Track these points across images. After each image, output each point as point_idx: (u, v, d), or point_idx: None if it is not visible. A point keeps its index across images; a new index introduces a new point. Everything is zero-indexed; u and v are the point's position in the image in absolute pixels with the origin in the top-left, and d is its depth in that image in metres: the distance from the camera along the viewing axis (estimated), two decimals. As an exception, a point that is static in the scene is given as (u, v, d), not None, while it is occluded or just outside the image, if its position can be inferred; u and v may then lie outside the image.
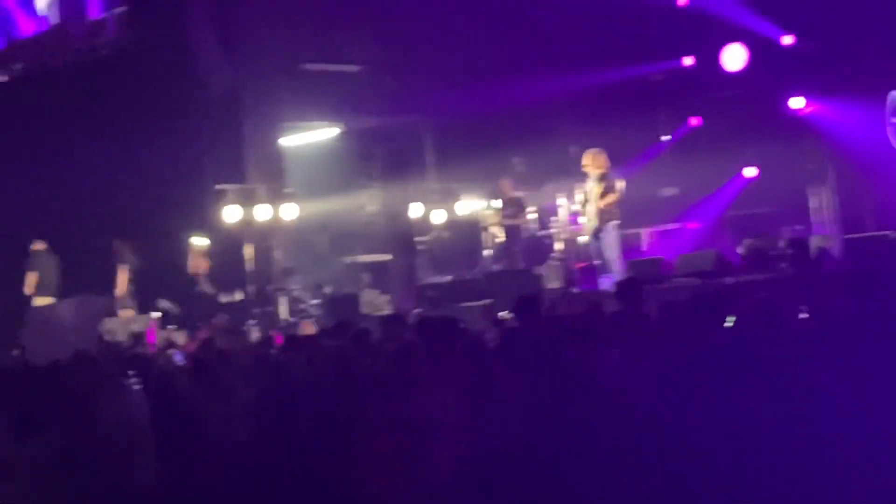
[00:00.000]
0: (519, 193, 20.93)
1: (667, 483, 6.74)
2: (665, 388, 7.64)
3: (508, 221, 20.48)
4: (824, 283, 12.99)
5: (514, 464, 7.03)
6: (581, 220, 19.01)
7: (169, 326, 18.75)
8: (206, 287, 19.78)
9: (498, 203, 20.73)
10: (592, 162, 17.40)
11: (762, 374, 7.36)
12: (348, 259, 22.41)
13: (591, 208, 17.39)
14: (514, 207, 20.64)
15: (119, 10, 22.76)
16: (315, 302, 20.34)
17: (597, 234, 17.38)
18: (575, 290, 17.86)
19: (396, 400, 8.17)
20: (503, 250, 20.64)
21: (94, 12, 23.38)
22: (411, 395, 8.32)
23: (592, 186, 17.41)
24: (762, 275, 15.16)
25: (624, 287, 10.67)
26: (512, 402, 7.48)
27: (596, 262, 18.02)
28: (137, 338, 17.21)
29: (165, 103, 21.10)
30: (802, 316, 9.95)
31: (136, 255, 19.82)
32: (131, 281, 19.78)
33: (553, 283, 18.37)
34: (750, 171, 21.88)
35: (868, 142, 19.61)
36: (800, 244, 16.26)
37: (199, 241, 19.87)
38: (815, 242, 16.41)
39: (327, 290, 21.06)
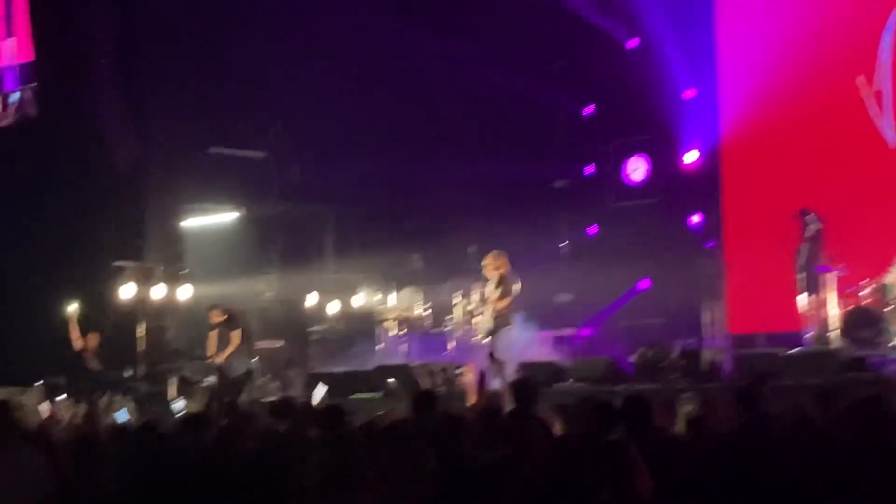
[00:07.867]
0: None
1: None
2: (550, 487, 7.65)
3: None
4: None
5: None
6: (476, 320, 19.04)
7: (58, 399, 18.55)
8: (92, 363, 19.51)
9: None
10: (493, 263, 17.42)
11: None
12: (241, 343, 22.18)
13: (488, 309, 17.40)
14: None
15: (31, 84, 22.65)
16: (207, 383, 20.15)
17: (491, 335, 17.40)
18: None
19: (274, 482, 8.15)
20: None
21: (8, 85, 23.24)
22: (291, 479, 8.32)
23: (490, 287, 17.45)
24: (653, 385, 15.29)
25: (520, 387, 10.67)
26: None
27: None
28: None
29: (71, 177, 20.98)
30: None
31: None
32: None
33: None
34: (645, 282, 22.18)
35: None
36: (692, 356, 16.43)
37: (73, 310, 19.48)
38: (706, 356, 16.55)
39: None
